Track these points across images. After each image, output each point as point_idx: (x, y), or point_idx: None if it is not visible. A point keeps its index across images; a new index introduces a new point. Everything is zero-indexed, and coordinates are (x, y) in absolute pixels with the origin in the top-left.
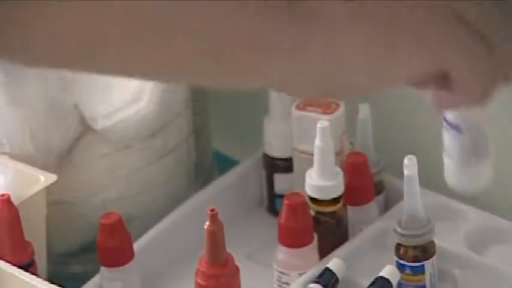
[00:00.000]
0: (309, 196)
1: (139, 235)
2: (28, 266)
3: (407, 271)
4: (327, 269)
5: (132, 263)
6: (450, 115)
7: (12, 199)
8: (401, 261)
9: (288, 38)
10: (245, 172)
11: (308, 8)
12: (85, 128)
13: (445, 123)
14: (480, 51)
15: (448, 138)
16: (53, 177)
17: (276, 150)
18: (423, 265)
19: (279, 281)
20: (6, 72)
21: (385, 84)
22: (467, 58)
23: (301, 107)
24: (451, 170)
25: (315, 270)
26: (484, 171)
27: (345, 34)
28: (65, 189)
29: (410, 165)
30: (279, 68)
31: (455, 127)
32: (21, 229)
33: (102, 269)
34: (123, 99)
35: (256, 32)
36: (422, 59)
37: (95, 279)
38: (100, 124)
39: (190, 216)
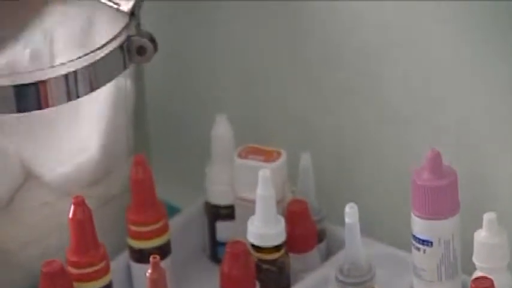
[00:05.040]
0: (251, 244)
1: None
2: None
3: None
4: None
5: None
6: (419, 230)
7: None
8: None
9: None
10: (187, 219)
11: None
12: (26, 175)
13: (413, 241)
14: None
15: (417, 255)
16: None
17: (218, 198)
18: None
19: None
20: None
21: None
22: None
23: (244, 155)
24: None
25: None
26: None
27: None
28: (5, 237)
29: (351, 213)
30: None
31: (425, 242)
32: None
33: None
34: (67, 148)
35: None
36: None
37: None
38: (42, 172)
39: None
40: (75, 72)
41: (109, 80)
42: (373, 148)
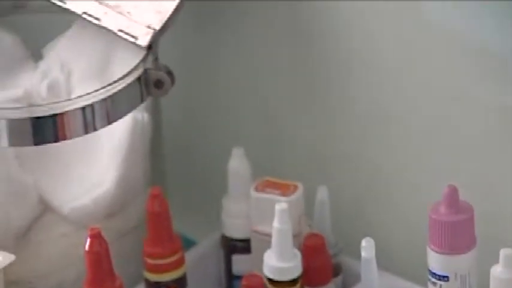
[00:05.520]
0: (267, 277)
1: None
2: None
3: None
4: None
5: None
6: (436, 265)
7: None
8: None
9: None
10: (203, 252)
11: None
12: (44, 207)
13: (430, 276)
14: None
15: None
16: (11, 257)
17: (235, 231)
18: None
19: None
20: None
21: None
22: None
23: (260, 189)
24: None
25: None
26: None
27: None
28: (23, 269)
29: (368, 247)
30: None
31: (441, 277)
32: None
33: None
34: (83, 180)
35: None
36: None
37: None
38: (59, 204)
39: None
40: (92, 105)
41: (126, 113)
42: (390, 182)
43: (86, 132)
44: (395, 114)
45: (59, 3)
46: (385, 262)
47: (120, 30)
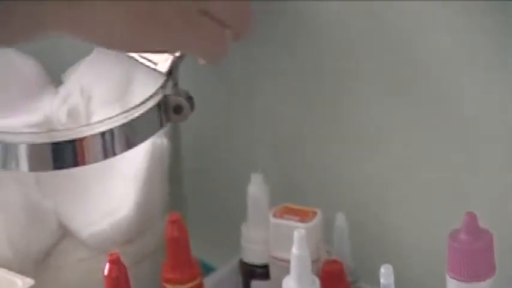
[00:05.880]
0: None
1: None
2: None
3: None
4: None
5: None
6: None
7: None
8: None
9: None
10: (222, 278)
11: None
12: (63, 232)
13: None
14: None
15: None
16: (30, 282)
17: (254, 257)
18: None
19: None
20: None
21: (152, 43)
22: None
23: (279, 215)
24: None
25: None
26: None
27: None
28: None
29: (386, 274)
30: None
31: None
32: None
33: None
34: (102, 205)
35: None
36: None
37: None
38: (78, 230)
39: None
40: (112, 130)
41: (146, 138)
42: (409, 209)
43: (106, 157)
44: (416, 142)
45: None
46: None
47: (141, 56)
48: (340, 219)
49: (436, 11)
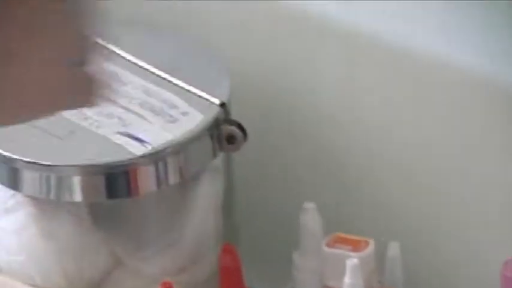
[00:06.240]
0: None
1: None
2: None
3: None
4: None
5: None
6: None
7: None
8: None
9: None
10: None
11: None
12: (115, 261)
13: None
14: None
15: None
16: None
17: (306, 286)
18: None
19: None
20: (38, 205)
21: None
22: None
23: (331, 244)
24: None
25: None
26: None
27: None
28: None
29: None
30: None
31: None
32: None
33: None
34: (157, 236)
35: None
36: None
37: None
38: (130, 259)
39: None
40: (165, 160)
41: (199, 168)
42: (462, 240)
43: (159, 187)
44: (469, 169)
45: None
46: None
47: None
48: (393, 249)
49: None
